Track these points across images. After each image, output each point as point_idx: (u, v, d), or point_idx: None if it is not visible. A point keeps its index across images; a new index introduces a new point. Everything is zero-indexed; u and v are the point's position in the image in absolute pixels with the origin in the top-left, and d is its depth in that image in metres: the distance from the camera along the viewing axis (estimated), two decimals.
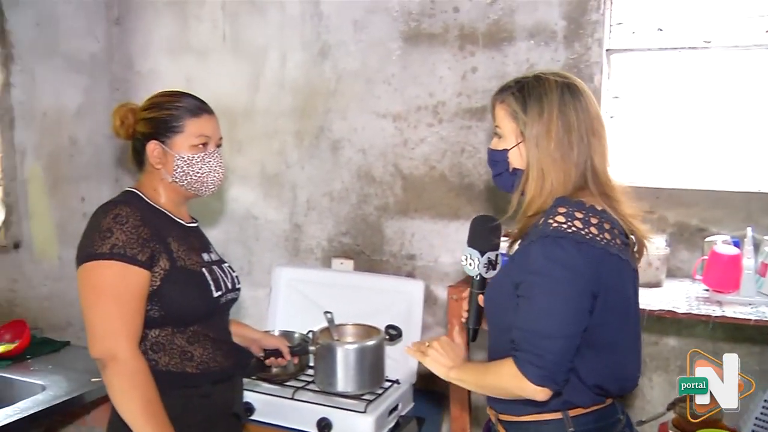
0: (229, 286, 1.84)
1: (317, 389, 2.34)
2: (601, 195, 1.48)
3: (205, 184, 1.79)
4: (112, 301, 1.61)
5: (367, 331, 2.44)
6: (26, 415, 2.07)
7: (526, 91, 1.51)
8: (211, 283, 1.76)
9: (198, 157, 1.76)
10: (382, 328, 2.42)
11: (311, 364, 2.42)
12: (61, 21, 2.80)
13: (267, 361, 2.27)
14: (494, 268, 1.63)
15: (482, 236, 1.64)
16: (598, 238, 1.39)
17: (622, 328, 1.46)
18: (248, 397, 2.28)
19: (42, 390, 2.25)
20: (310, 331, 2.47)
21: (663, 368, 2.37)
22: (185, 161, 1.76)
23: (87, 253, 1.64)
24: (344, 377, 2.30)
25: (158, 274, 1.68)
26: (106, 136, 2.93)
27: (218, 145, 1.83)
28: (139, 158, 1.81)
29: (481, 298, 1.63)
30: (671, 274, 2.25)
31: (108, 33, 3.03)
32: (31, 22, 2.68)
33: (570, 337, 1.37)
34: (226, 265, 1.90)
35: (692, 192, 2.30)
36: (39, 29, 2.71)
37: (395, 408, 2.37)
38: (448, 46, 2.53)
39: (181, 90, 1.83)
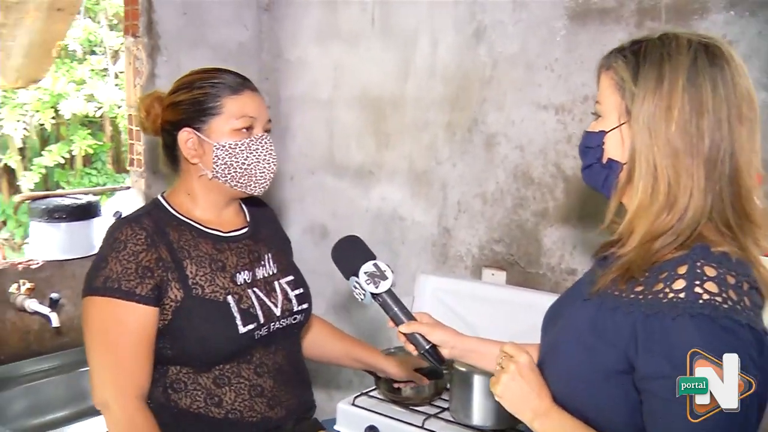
0: (276, 313, 1.57)
1: (451, 419, 2.13)
2: (739, 223, 1.09)
3: (253, 178, 1.54)
4: (104, 347, 1.42)
5: None
6: None
7: (642, 53, 1.13)
8: (237, 315, 1.49)
9: (242, 144, 1.51)
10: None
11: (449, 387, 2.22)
12: (208, 10, 2.80)
13: (395, 385, 2.12)
14: (383, 278, 1.43)
15: (344, 260, 1.47)
16: (753, 314, 1.03)
17: None
18: (374, 420, 2.13)
19: None
20: None
21: None
22: (226, 150, 1.50)
23: (85, 286, 1.47)
24: (482, 409, 2.07)
25: (169, 306, 1.46)
26: None
27: (267, 131, 1.57)
28: (171, 155, 1.57)
29: (410, 327, 1.43)
30: None
31: (257, 20, 3.00)
32: (179, 11, 2.70)
33: None
34: (285, 280, 1.63)
35: None
36: (186, 18, 2.72)
37: None
38: (623, 24, 2.19)
39: (217, 66, 1.58)
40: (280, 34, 3.01)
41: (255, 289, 1.57)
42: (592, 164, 1.21)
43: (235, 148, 1.51)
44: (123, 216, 1.55)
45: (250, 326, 1.51)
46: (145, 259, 1.44)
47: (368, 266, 1.44)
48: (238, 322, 1.50)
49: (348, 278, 1.47)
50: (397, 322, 1.46)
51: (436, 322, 1.50)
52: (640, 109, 1.11)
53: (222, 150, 1.50)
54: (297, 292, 1.66)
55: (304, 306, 1.67)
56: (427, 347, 1.45)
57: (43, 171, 6.17)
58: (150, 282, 1.44)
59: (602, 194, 1.22)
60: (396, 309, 1.47)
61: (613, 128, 1.16)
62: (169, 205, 1.57)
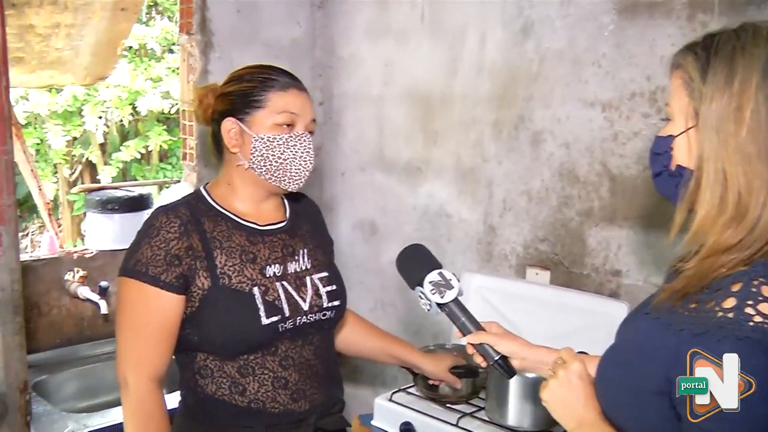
0: (304, 307, 1.58)
1: (486, 419, 2.12)
2: None
3: (287, 174, 1.56)
4: (128, 326, 1.50)
5: None
6: None
7: (714, 48, 1.04)
8: (260, 306, 1.52)
9: (281, 139, 1.54)
10: None
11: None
12: (262, 7, 2.87)
13: (431, 382, 2.13)
14: (449, 287, 1.39)
15: (409, 271, 1.44)
16: None
17: None
18: (410, 416, 2.14)
19: None
20: None
21: None
22: (264, 143, 1.54)
23: (120, 266, 1.54)
24: (518, 410, 2.06)
25: (197, 294, 1.50)
26: None
27: (310, 131, 1.59)
28: (217, 144, 1.63)
29: (478, 338, 1.39)
30: None
31: (311, 17, 3.05)
32: (232, 9, 2.77)
33: None
34: (318, 276, 1.65)
35: None
36: (239, 16, 2.79)
37: None
38: (674, 17, 2.13)
39: (271, 64, 1.63)
40: (333, 30, 3.06)
41: (284, 282, 1.59)
42: (661, 172, 1.14)
43: (273, 142, 1.54)
44: (163, 204, 1.61)
45: (274, 318, 1.54)
46: (175, 247, 1.50)
47: (433, 276, 1.42)
48: (262, 313, 1.52)
49: (413, 288, 1.45)
50: (465, 332, 1.43)
51: (506, 332, 1.46)
52: (708, 110, 1.02)
53: (260, 142, 1.54)
54: (329, 288, 1.67)
55: (336, 303, 1.68)
56: (497, 358, 1.41)
57: (121, 165, 6.40)
58: (177, 270, 1.49)
59: (675, 205, 1.13)
60: (463, 319, 1.43)
61: (681, 132, 1.08)
62: (210, 196, 1.62)
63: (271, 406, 1.55)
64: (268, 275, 1.58)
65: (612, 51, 2.25)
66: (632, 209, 2.25)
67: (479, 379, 2.17)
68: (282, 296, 1.57)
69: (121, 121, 6.43)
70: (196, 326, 1.52)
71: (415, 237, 2.82)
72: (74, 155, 6.57)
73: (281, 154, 1.55)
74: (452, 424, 2.08)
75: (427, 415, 2.13)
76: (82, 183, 6.55)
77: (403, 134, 2.87)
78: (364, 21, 2.95)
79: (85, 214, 6.27)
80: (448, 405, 2.19)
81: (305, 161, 1.58)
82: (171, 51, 6.66)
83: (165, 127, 6.64)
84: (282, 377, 1.56)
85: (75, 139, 6.46)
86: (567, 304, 2.31)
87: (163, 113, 6.48)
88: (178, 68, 6.43)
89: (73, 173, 6.60)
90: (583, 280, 2.38)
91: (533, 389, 2.00)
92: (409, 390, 2.29)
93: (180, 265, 1.50)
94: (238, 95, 1.57)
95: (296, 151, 1.56)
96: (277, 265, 1.60)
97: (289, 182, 1.59)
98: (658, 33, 2.16)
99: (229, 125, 1.57)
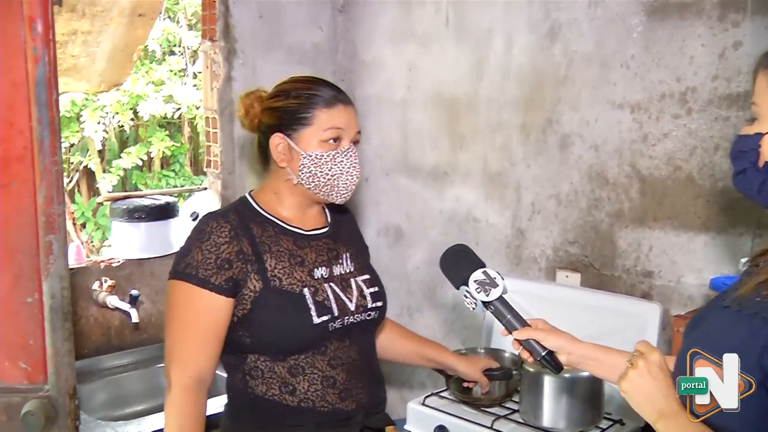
0: (351, 307, 1.70)
1: (521, 421, 2.23)
2: None
3: (336, 188, 1.68)
4: (177, 326, 1.61)
5: None
6: None
7: None
8: (312, 306, 1.63)
9: (328, 156, 1.65)
10: None
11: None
12: (284, 12, 2.99)
13: (464, 384, 2.22)
14: (494, 285, 1.47)
15: (453, 271, 1.52)
16: None
17: None
18: (444, 419, 2.24)
19: None
20: None
21: None
22: (312, 160, 1.65)
23: (171, 269, 1.65)
24: (552, 411, 2.15)
25: (248, 296, 1.62)
26: None
27: (355, 142, 1.70)
28: (264, 155, 1.74)
29: (525, 333, 1.44)
30: None
31: (333, 22, 3.17)
32: (255, 15, 2.89)
33: None
34: (361, 278, 1.77)
35: None
36: (262, 21, 2.91)
37: None
38: (704, 17, 2.24)
39: (315, 76, 1.73)
40: (355, 35, 3.18)
41: (331, 284, 1.71)
42: (745, 169, 1.20)
43: (321, 159, 1.66)
44: (213, 211, 1.75)
45: (324, 318, 1.65)
46: (225, 251, 1.61)
47: (478, 274, 1.49)
48: (313, 313, 1.64)
49: (458, 288, 1.53)
50: (511, 330, 1.49)
51: (552, 328, 1.51)
52: None
53: (308, 159, 1.66)
54: (372, 290, 1.80)
55: (379, 303, 1.80)
56: (544, 354, 1.47)
57: (122, 173, 6.49)
58: (227, 273, 1.61)
59: (757, 203, 1.22)
60: (509, 316, 1.50)
61: None
62: (256, 202, 1.75)
63: (321, 405, 1.66)
64: (316, 277, 1.70)
65: (641, 52, 2.37)
66: (663, 210, 2.37)
67: (512, 381, 2.28)
68: (330, 296, 1.69)
69: (122, 126, 6.52)
70: (248, 328, 1.64)
71: (442, 242, 2.94)
72: (72, 162, 6.66)
73: (329, 170, 1.67)
74: (487, 427, 2.18)
75: (461, 418, 2.23)
76: (79, 191, 6.63)
77: (428, 138, 2.99)
78: (387, 24, 3.07)
79: (83, 224, 6.38)
80: (482, 408, 2.29)
81: (352, 175, 1.70)
82: (172, 53, 6.77)
83: (167, 132, 6.73)
84: (331, 376, 1.68)
85: (72, 145, 6.54)
86: (598, 306, 2.41)
87: (165, 118, 6.57)
88: (181, 71, 6.57)
89: (70, 181, 6.69)
90: (614, 282, 2.50)
91: (568, 390, 2.11)
92: (442, 394, 2.38)
93: (230, 269, 1.61)
94: (285, 111, 1.68)
95: (343, 167, 1.68)
96: (324, 268, 1.73)
97: (338, 195, 1.71)
98: (688, 33, 2.27)
99: (277, 140, 1.68)
